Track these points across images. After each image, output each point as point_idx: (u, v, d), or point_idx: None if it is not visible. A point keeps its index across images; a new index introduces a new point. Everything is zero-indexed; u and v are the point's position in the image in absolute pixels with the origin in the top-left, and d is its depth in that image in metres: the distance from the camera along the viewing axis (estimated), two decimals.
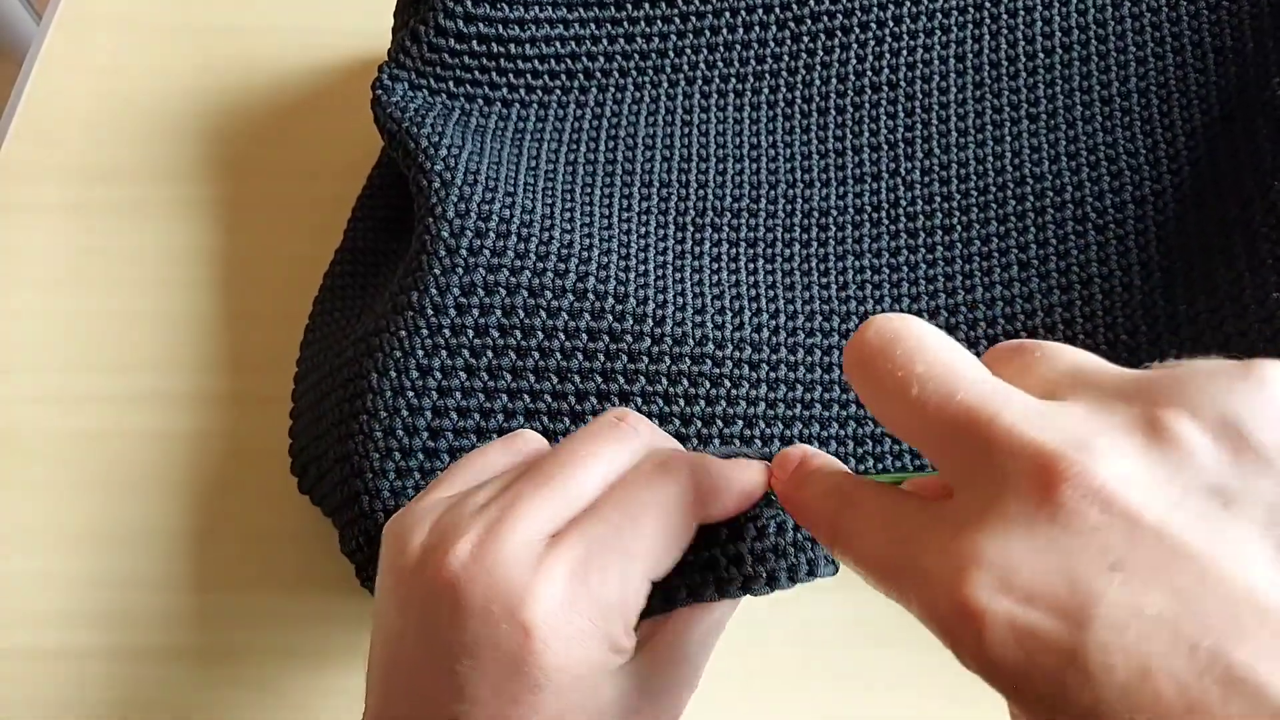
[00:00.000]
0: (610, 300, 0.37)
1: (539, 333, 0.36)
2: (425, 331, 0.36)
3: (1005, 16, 0.45)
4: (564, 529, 0.25)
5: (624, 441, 0.27)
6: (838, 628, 0.37)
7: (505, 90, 0.44)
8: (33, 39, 0.52)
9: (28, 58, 0.51)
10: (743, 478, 0.27)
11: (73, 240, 0.47)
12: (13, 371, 0.44)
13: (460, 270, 0.37)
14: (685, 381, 0.35)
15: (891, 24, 0.45)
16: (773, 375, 0.36)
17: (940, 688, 0.35)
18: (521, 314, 0.37)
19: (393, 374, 0.36)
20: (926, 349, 0.21)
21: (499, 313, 0.37)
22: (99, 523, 0.40)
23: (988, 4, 0.45)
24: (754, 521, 0.28)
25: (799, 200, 0.42)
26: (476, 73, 0.43)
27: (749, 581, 0.28)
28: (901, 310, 0.39)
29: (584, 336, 0.36)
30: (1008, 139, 0.43)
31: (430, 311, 0.36)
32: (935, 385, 0.20)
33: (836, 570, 0.29)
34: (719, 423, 0.35)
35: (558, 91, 0.44)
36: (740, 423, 0.35)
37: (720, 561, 0.28)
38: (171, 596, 0.39)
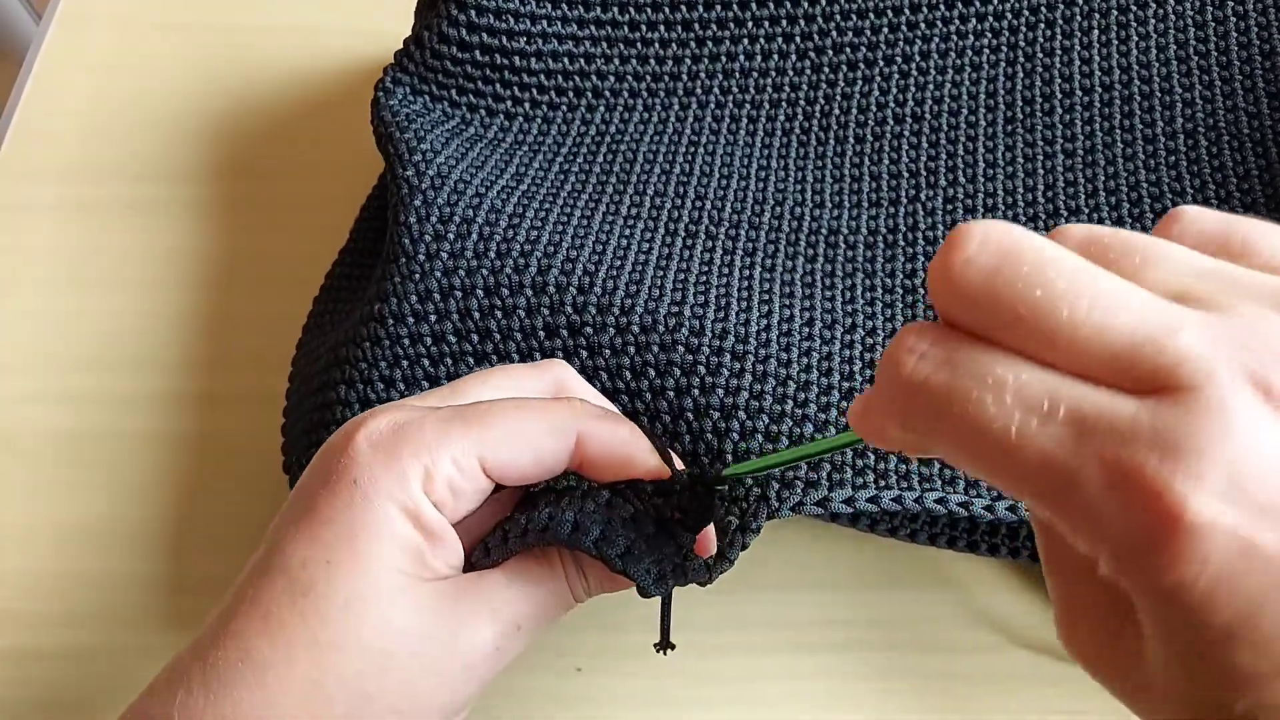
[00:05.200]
0: (572, 292, 0.34)
1: (496, 334, 0.34)
2: (387, 342, 0.35)
3: (1041, 56, 0.43)
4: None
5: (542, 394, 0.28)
6: (829, 628, 0.34)
7: (509, 104, 0.42)
8: (32, 39, 0.52)
9: (28, 58, 0.51)
10: (637, 451, 0.27)
11: (73, 240, 0.46)
12: (12, 371, 0.42)
13: (417, 276, 0.35)
14: (652, 372, 0.32)
15: (919, 59, 0.43)
16: (760, 368, 0.32)
17: (931, 687, 0.32)
18: (477, 315, 0.35)
19: (359, 386, 0.35)
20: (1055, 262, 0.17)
21: (455, 316, 0.35)
22: (98, 523, 0.38)
23: (1022, 44, 0.43)
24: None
25: (807, 219, 0.39)
26: (480, 83, 0.42)
27: (594, 543, 0.25)
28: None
29: (541, 334, 0.34)
30: (1040, 173, 0.40)
31: (391, 322, 0.35)
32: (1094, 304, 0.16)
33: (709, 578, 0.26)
34: (689, 415, 0.31)
35: (563, 108, 0.43)
36: (716, 414, 0.31)
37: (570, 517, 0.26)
38: (170, 597, 0.37)
